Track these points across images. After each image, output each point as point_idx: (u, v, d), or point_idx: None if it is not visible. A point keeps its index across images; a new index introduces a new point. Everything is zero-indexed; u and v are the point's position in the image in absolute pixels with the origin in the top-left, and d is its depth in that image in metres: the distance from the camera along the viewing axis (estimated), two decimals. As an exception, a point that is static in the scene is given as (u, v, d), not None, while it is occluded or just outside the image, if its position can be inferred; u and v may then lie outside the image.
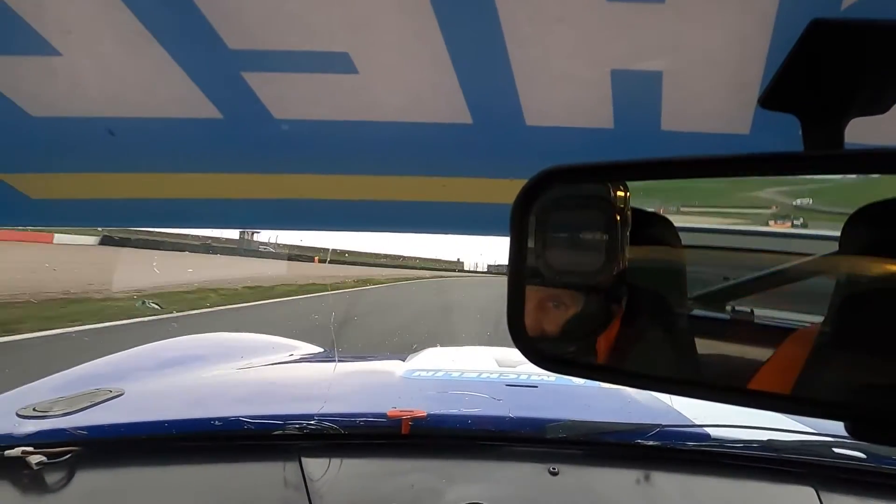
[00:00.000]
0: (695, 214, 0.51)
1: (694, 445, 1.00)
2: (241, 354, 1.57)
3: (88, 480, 0.87)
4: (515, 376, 1.36)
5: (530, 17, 0.52)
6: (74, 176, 0.76)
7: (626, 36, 0.54)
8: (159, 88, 0.63)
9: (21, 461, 0.85)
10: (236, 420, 0.96)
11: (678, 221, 0.50)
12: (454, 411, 1.04)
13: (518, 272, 0.45)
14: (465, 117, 0.65)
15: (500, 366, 1.48)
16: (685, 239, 0.50)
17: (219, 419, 0.97)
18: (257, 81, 0.62)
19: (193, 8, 0.53)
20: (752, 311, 0.51)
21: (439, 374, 1.37)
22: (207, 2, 0.53)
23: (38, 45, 0.57)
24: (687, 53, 0.55)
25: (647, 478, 0.98)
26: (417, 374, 1.38)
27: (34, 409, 0.99)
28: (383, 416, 1.00)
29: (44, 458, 0.86)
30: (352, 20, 0.54)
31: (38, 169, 0.74)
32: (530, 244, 0.45)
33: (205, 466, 0.93)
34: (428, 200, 0.78)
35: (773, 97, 0.42)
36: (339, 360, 1.64)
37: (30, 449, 0.87)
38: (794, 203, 0.44)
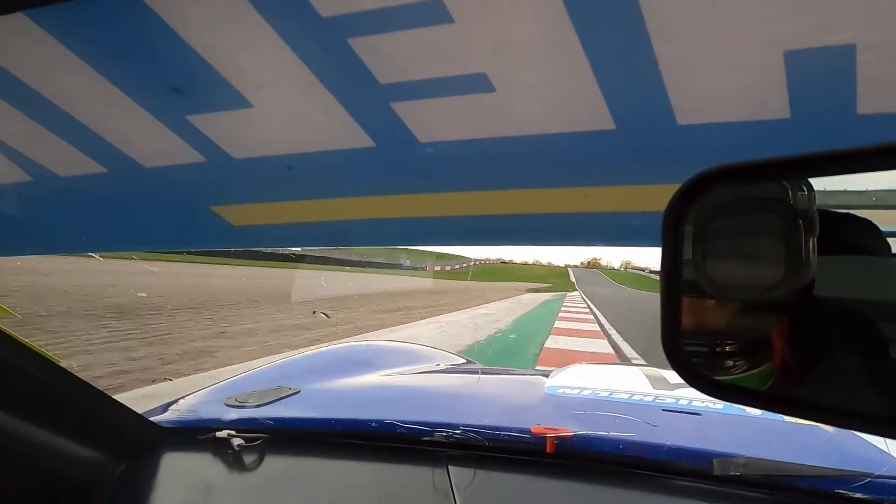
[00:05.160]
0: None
1: None
2: (393, 362, 1.69)
3: (274, 465, 1.01)
4: (673, 401, 1.23)
5: (678, 10, 0.48)
6: (263, 205, 0.91)
7: (803, 9, 0.46)
8: (325, 125, 0.72)
9: (227, 442, 1.03)
10: (391, 423, 1.03)
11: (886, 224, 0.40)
12: (602, 433, 0.98)
13: (673, 286, 0.40)
14: (607, 123, 0.62)
15: (654, 388, 1.36)
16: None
17: (375, 421, 1.05)
18: (404, 110, 0.67)
19: (351, 52, 0.60)
20: None
21: (585, 392, 1.31)
22: (362, 45, 0.60)
23: (237, 101, 0.70)
24: (890, 16, 0.45)
25: None
26: (562, 391, 1.33)
27: (236, 400, 1.19)
28: (527, 431, 0.98)
29: (242, 442, 1.03)
30: (488, 42, 0.56)
31: (237, 201, 0.91)
32: (687, 255, 0.40)
33: (363, 464, 1.02)
34: (572, 212, 0.75)
35: None
36: (483, 373, 1.67)
37: (233, 433, 1.05)
38: None
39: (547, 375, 1.51)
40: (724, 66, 0.53)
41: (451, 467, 0.95)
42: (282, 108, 0.71)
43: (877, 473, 0.82)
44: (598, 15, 0.51)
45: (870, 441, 0.97)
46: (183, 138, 0.79)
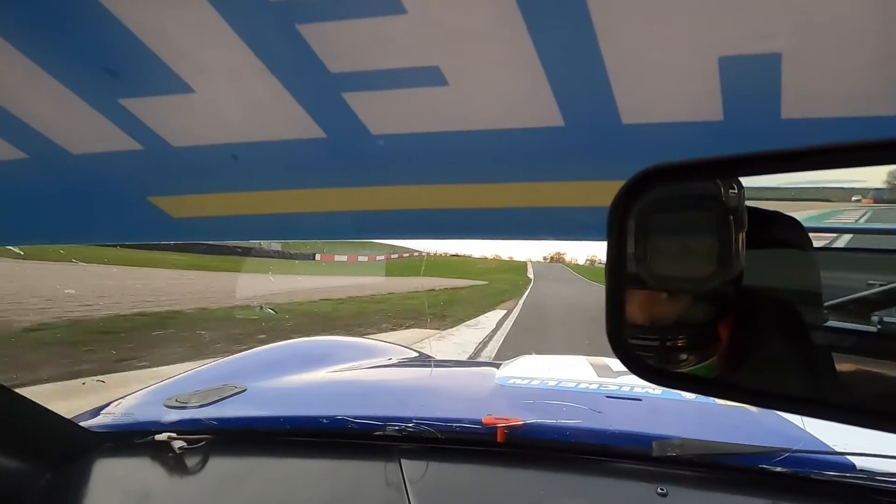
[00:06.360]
0: (828, 211, 0.45)
1: (836, 476, 0.87)
2: (344, 357, 1.67)
3: (219, 466, 0.98)
4: (616, 388, 1.29)
5: (624, 13, 0.50)
6: (206, 196, 0.86)
7: (735, 18, 0.49)
8: (273, 114, 0.69)
9: (167, 445, 0.99)
10: (342, 419, 1.02)
11: (808, 220, 0.44)
12: (551, 421, 1.01)
13: (617, 278, 0.42)
14: (556, 120, 0.63)
15: (599, 376, 1.42)
16: (820, 241, 0.44)
17: (326, 417, 1.04)
18: (355, 101, 0.66)
19: (300, 39, 0.58)
20: None
21: (535, 382, 1.35)
22: (312, 32, 0.58)
23: (176, 85, 0.66)
24: (812, 29, 0.49)
25: None
26: (512, 381, 1.37)
27: (177, 401, 1.14)
28: (478, 422, 1.00)
29: (184, 444, 0.99)
30: (441, 35, 0.56)
31: (177, 192, 0.86)
32: (630, 249, 0.42)
33: (313, 461, 1.00)
34: (522, 207, 0.77)
35: None
36: (435, 366, 1.68)
37: (174, 435, 1.00)
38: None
39: (498, 366, 1.55)
40: (663, 68, 0.56)
41: (403, 461, 0.96)
42: (226, 94, 0.68)
43: (795, 448, 0.90)
44: (548, 13, 0.52)
45: (788, 419, 1.07)
46: (116, 124, 0.73)
